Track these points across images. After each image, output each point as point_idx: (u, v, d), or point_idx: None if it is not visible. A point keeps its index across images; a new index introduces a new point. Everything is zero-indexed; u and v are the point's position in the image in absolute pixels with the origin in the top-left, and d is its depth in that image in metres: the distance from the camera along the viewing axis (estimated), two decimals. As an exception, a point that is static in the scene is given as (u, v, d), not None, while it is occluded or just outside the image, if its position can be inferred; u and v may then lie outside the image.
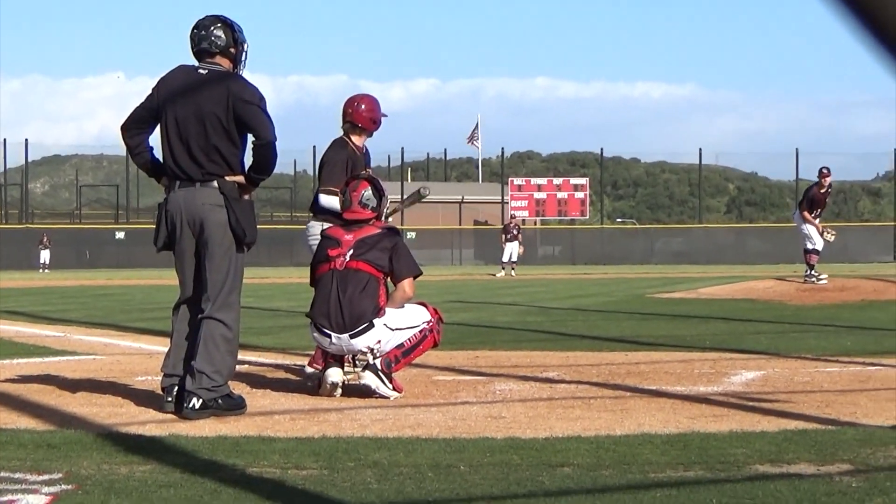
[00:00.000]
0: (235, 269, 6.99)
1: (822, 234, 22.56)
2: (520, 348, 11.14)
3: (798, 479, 4.69)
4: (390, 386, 7.55)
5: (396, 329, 7.70)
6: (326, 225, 8.30)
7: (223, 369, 6.84)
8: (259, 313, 16.88)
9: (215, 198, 6.92)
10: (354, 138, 8.81)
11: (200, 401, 6.70)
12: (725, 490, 4.49)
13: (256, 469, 5.01)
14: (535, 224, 65.79)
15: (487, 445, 5.51)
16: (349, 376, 7.79)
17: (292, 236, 52.64)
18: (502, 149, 71.24)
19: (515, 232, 41.76)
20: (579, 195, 62.64)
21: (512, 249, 41.16)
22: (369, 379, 7.52)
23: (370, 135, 8.91)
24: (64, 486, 4.63)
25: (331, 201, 8.45)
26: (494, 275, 39.80)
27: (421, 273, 8.00)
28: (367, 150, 8.95)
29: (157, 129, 7.08)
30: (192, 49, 7.08)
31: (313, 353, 8.51)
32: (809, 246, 22.63)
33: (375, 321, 7.62)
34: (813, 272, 22.57)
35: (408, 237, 50.85)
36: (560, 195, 62.31)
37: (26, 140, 60.64)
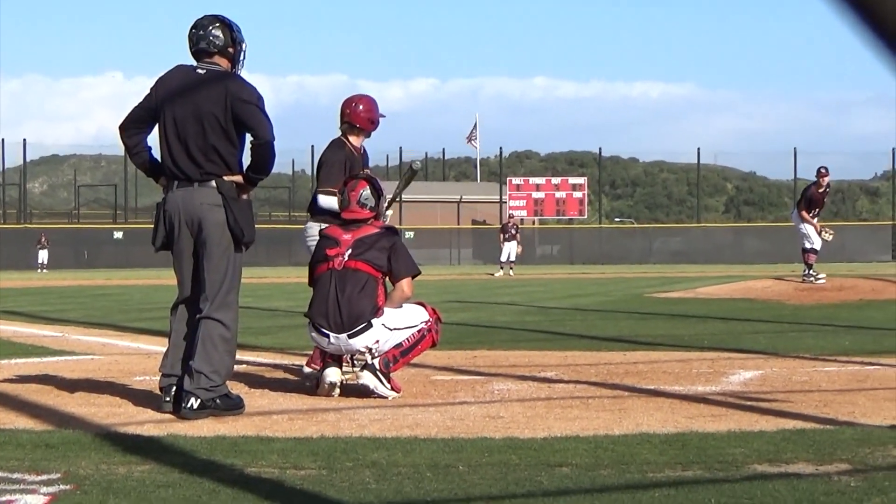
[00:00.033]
0: (234, 268, 6.99)
1: (820, 234, 22.57)
2: (518, 348, 11.14)
3: (796, 478, 4.69)
4: (388, 386, 7.55)
5: (395, 329, 7.70)
6: (325, 226, 8.30)
7: (221, 369, 6.84)
8: (257, 313, 16.88)
9: (213, 198, 6.92)
10: (352, 139, 8.80)
11: (199, 401, 6.70)
12: (724, 490, 4.49)
13: (255, 469, 5.01)
14: (534, 224, 65.81)
15: (486, 445, 5.51)
16: (347, 376, 7.79)
17: (290, 236, 52.65)
18: (500, 148, 71.47)
19: (514, 231, 41.75)
20: (577, 195, 62.65)
21: (510, 249, 41.16)
22: (367, 379, 7.52)
23: (368, 135, 8.91)
24: (62, 486, 4.63)
25: (330, 202, 8.45)
26: (493, 274, 39.80)
27: (419, 273, 8.00)
28: (365, 150, 8.94)
29: (156, 128, 7.08)
30: (191, 49, 7.08)
31: (311, 352, 8.50)
32: (808, 245, 22.64)
33: (374, 321, 7.62)
34: (811, 272, 22.58)
35: (406, 237, 50.86)
36: (558, 195, 62.32)
37: (24, 140, 60.70)
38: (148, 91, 7.10)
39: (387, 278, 7.88)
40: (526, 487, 4.60)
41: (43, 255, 53.78)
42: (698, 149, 63.71)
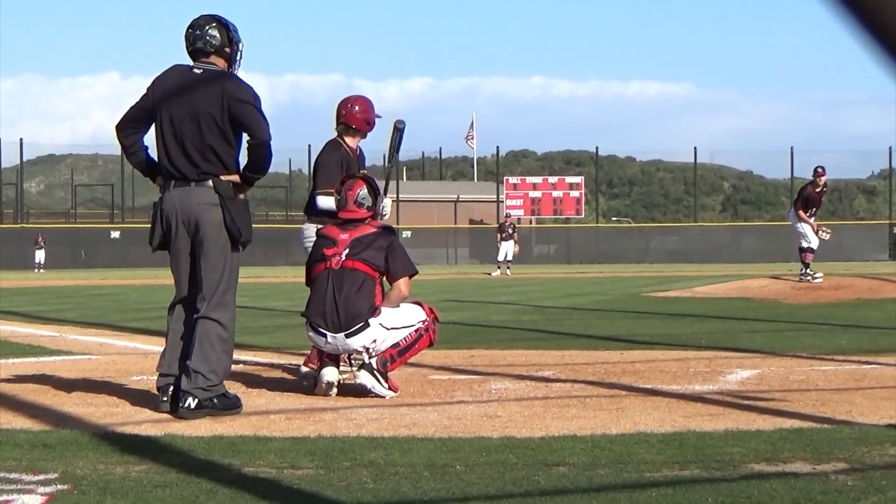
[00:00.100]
0: (231, 268, 6.99)
1: (817, 233, 22.59)
2: (515, 347, 11.15)
3: (794, 477, 4.69)
4: (386, 385, 7.55)
5: (392, 328, 7.70)
6: (321, 226, 8.29)
7: (219, 369, 6.84)
8: (255, 313, 16.87)
9: (210, 197, 6.92)
10: (348, 139, 8.80)
11: (196, 400, 6.70)
12: (721, 489, 4.49)
13: (252, 469, 5.01)
14: (531, 223, 65.82)
15: (483, 445, 5.51)
16: (345, 376, 7.79)
17: (287, 235, 52.60)
18: (497, 148, 71.31)
19: (511, 231, 41.74)
20: (574, 194, 62.64)
21: (507, 248, 41.15)
22: (365, 378, 7.52)
23: (364, 136, 8.91)
24: (60, 486, 4.63)
25: (328, 202, 8.44)
26: (490, 274, 39.80)
27: (416, 272, 8.00)
28: (361, 151, 8.94)
29: (152, 128, 7.07)
30: (187, 49, 7.08)
31: (309, 352, 8.50)
32: (804, 244, 22.66)
33: (371, 320, 7.62)
34: (808, 271, 22.60)
35: (403, 236, 50.88)
36: (555, 194, 62.30)
37: (21, 139, 60.63)
38: (144, 91, 7.09)
39: (384, 278, 7.89)
40: (523, 487, 4.60)
41: (40, 255, 53.76)
42: (695, 148, 64.03)
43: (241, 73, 7.20)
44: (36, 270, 51.44)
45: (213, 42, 7.02)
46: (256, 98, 7.00)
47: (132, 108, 7.08)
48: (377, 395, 7.47)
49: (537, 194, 62.17)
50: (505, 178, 65.02)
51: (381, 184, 8.25)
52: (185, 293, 7.05)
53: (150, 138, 7.12)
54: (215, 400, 6.76)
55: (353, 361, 7.89)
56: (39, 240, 54.58)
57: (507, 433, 5.89)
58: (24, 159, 63.65)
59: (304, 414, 6.83)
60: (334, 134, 8.86)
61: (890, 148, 63.12)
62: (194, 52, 7.06)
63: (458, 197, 68.19)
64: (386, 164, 8.93)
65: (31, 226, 60.33)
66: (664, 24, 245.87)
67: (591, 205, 71.95)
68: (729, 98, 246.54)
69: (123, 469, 4.99)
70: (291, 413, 6.85)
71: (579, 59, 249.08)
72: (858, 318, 14.89)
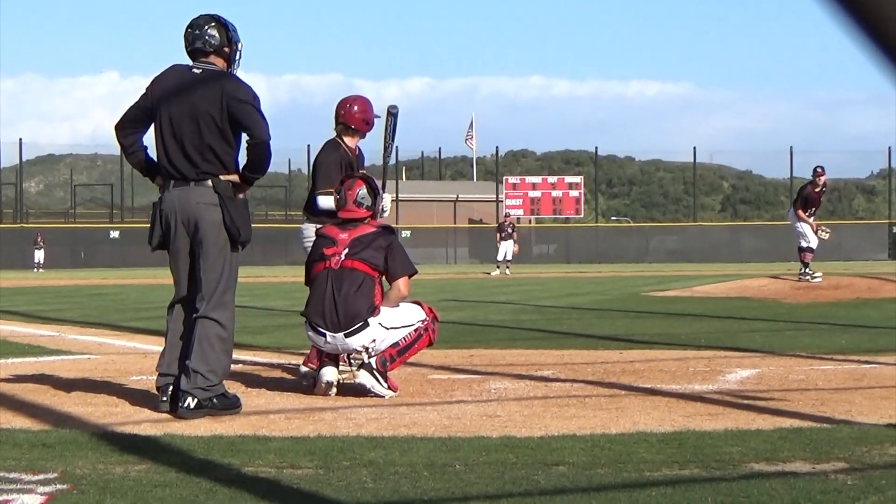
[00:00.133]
0: (230, 268, 6.99)
1: (816, 233, 22.59)
2: (515, 347, 11.15)
3: (793, 477, 4.69)
4: (385, 385, 7.55)
5: (391, 328, 7.70)
6: (321, 226, 8.29)
7: (218, 368, 6.84)
8: (254, 312, 16.87)
9: (210, 197, 6.92)
10: (347, 139, 8.80)
11: (195, 400, 6.70)
12: (721, 488, 4.49)
13: (252, 468, 5.01)
14: (530, 222, 65.81)
15: (483, 444, 5.51)
16: (344, 375, 7.79)
17: (287, 235, 52.60)
18: (497, 147, 71.31)
19: (510, 230, 41.75)
20: (574, 193, 62.64)
21: (507, 248, 41.16)
22: (364, 378, 7.52)
23: (363, 136, 8.90)
24: (59, 486, 4.63)
25: (329, 202, 8.42)
26: (489, 273, 39.80)
27: (416, 272, 8.00)
28: (360, 151, 8.94)
29: (152, 128, 7.07)
30: (186, 48, 7.07)
31: (308, 352, 8.50)
32: (804, 244, 22.66)
33: (370, 320, 7.62)
34: (807, 270, 22.60)
35: (402, 236, 50.86)
36: (555, 193, 62.30)
37: (20, 139, 60.66)
38: (144, 91, 7.09)
39: (383, 277, 7.88)
40: (523, 486, 4.60)
41: (39, 255, 53.74)
42: (694, 147, 64.06)
43: (241, 73, 7.21)
44: (35, 270, 51.42)
45: (213, 42, 7.02)
46: (255, 98, 7.00)
47: (131, 107, 7.08)
48: (376, 395, 7.47)
49: (537, 194, 62.16)
50: (504, 177, 65.01)
51: (379, 183, 8.24)
52: (184, 293, 7.05)
53: (149, 138, 7.12)
54: (215, 400, 6.76)
55: (352, 361, 7.89)
56: (39, 240, 54.56)
57: (506, 433, 5.89)
58: (24, 159, 63.66)
59: (303, 413, 6.82)
60: (333, 134, 8.86)
61: (889, 148, 63.20)
62: (193, 52, 7.06)
63: (458, 196, 68.18)
64: (382, 152, 8.88)
65: (30, 225, 60.33)
66: (664, 23, 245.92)
67: (591, 204, 71.97)
68: (728, 98, 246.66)
69: (123, 469, 4.99)
70: (291, 413, 6.85)
71: (579, 58, 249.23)
72: (858, 317, 14.89)
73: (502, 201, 60.38)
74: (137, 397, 7.47)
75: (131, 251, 52.81)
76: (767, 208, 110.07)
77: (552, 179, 64.88)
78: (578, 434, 5.80)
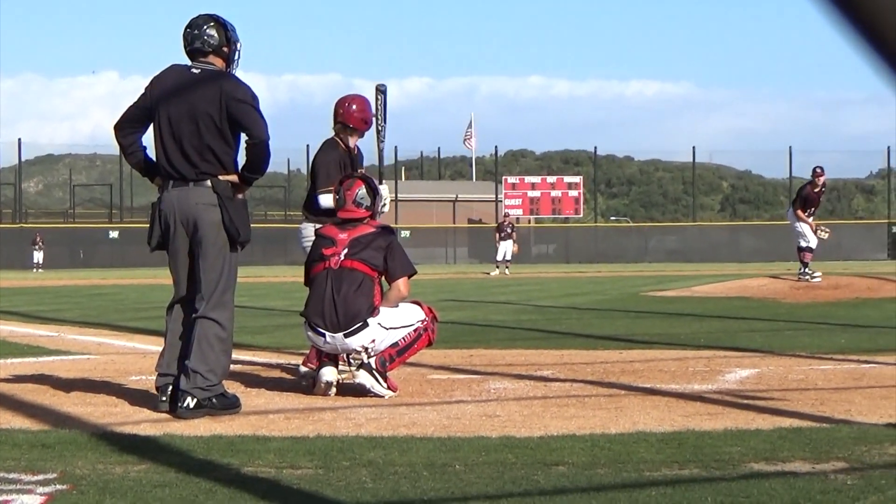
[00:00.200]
0: (229, 268, 6.98)
1: (815, 232, 22.59)
2: (514, 347, 11.15)
3: (793, 477, 4.69)
4: (385, 385, 7.55)
5: (391, 328, 7.70)
6: (320, 226, 8.29)
7: (217, 368, 6.84)
8: (253, 312, 16.87)
9: (209, 197, 6.91)
10: (345, 139, 8.79)
11: (195, 400, 6.69)
12: (720, 488, 4.49)
13: (251, 468, 5.01)
14: (530, 222, 65.80)
15: (482, 444, 5.51)
16: (344, 375, 7.79)
17: (286, 235, 52.58)
18: (496, 147, 71.22)
19: (510, 230, 41.74)
20: (573, 193, 62.63)
21: (506, 248, 41.16)
22: (364, 378, 7.51)
23: (361, 135, 8.90)
24: (59, 486, 4.62)
25: (330, 200, 8.41)
26: (489, 273, 39.79)
27: (415, 272, 8.00)
28: (359, 150, 8.94)
29: (151, 128, 7.07)
30: (185, 48, 7.07)
31: (308, 352, 8.50)
32: (803, 244, 22.66)
33: (370, 320, 7.62)
34: (807, 270, 22.60)
35: (402, 236, 50.84)
36: (554, 193, 62.28)
37: (19, 139, 60.64)
38: (143, 91, 7.09)
39: (383, 278, 7.88)
40: (522, 486, 4.59)
41: (38, 255, 53.72)
42: (693, 147, 63.92)
43: (240, 73, 7.21)
44: (34, 270, 51.39)
45: (212, 42, 7.02)
46: (254, 98, 6.99)
47: (130, 107, 7.08)
48: (376, 395, 7.47)
49: (536, 194, 62.16)
50: (503, 177, 64.99)
51: (376, 182, 8.24)
52: (183, 293, 7.04)
53: (148, 138, 7.12)
54: (214, 400, 6.76)
55: (351, 361, 7.89)
56: (38, 240, 54.54)
57: (506, 433, 5.88)
58: (23, 159, 63.63)
59: (303, 413, 6.82)
60: (332, 133, 8.86)
61: (888, 147, 63.18)
62: (192, 52, 7.06)
63: (457, 196, 68.17)
64: (376, 135, 8.87)
65: (29, 226, 60.30)
66: (663, 23, 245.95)
67: (590, 204, 72.01)
68: (728, 97, 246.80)
69: (122, 469, 4.99)
70: (290, 413, 6.85)
71: (578, 58, 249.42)
72: (857, 317, 14.89)
73: (501, 201, 60.37)
74: (137, 397, 7.47)
75: (130, 251, 52.78)
76: (767, 208, 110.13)
77: (551, 179, 64.87)
78: (578, 434, 5.79)
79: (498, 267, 40.66)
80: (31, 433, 5.97)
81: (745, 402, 7.05)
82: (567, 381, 8.29)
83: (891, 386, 7.75)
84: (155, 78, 7.09)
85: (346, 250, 7.78)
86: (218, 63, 7.05)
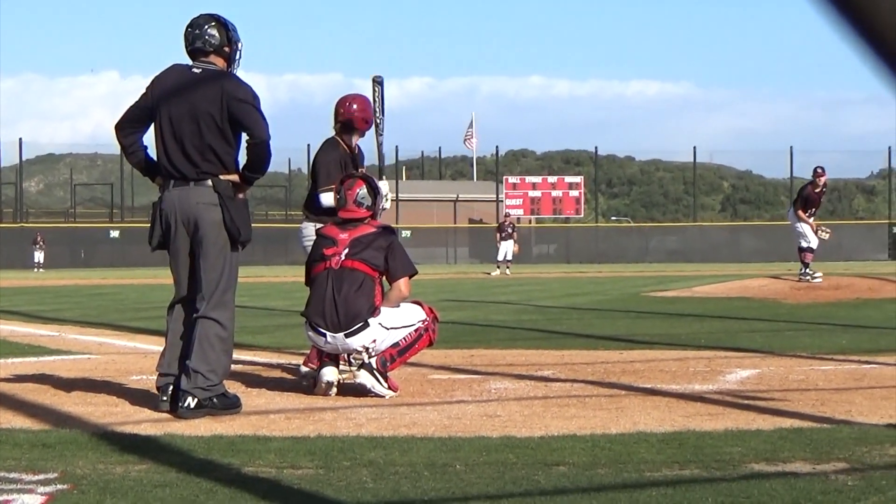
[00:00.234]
0: (230, 268, 6.98)
1: (816, 233, 22.58)
2: (515, 347, 11.15)
3: (793, 477, 4.69)
4: (385, 385, 7.55)
5: (392, 328, 7.70)
6: (320, 225, 8.29)
7: (218, 368, 6.84)
8: (254, 312, 16.87)
9: (210, 197, 6.91)
10: (346, 138, 8.79)
11: (196, 400, 6.70)
12: (721, 489, 4.49)
13: (252, 468, 5.01)
14: (530, 222, 65.81)
15: (483, 444, 5.51)
16: (344, 375, 7.78)
17: (287, 235, 52.58)
18: (497, 147, 71.30)
19: (510, 230, 41.74)
20: (574, 193, 62.63)
21: (507, 248, 41.16)
22: (364, 378, 7.51)
23: (362, 135, 8.90)
24: (59, 486, 4.63)
25: (332, 199, 8.40)
26: (489, 273, 39.80)
27: (416, 272, 8.00)
28: (360, 149, 8.94)
29: (152, 128, 7.07)
30: (186, 48, 7.07)
31: (309, 352, 8.50)
32: (804, 244, 22.65)
33: (371, 320, 7.62)
34: (808, 270, 22.59)
35: (403, 236, 50.86)
36: (555, 193, 62.30)
37: (20, 139, 60.66)
38: (144, 90, 7.09)
39: (384, 278, 7.88)
40: (523, 486, 4.59)
41: (39, 255, 53.73)
42: (694, 147, 64.01)
43: (241, 73, 7.21)
44: (35, 270, 51.41)
45: (213, 41, 7.02)
46: (255, 97, 6.99)
47: (131, 107, 7.08)
48: (377, 395, 7.47)
49: (537, 194, 62.16)
50: (504, 177, 65.00)
51: (377, 180, 8.24)
52: (184, 293, 7.04)
53: (149, 138, 7.12)
54: (215, 399, 6.76)
55: (352, 361, 7.89)
56: (38, 239, 54.55)
57: (506, 433, 5.88)
58: (24, 158, 63.63)
59: (303, 413, 6.82)
60: (333, 133, 8.86)
61: (889, 147, 63.24)
62: (193, 52, 7.06)
63: (458, 196, 68.19)
64: (374, 129, 8.86)
65: (30, 225, 60.31)
66: (663, 23, 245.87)
67: (591, 204, 71.98)
68: (728, 97, 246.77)
69: (123, 469, 4.99)
70: (291, 413, 6.85)
71: (578, 58, 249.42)
72: (858, 317, 14.88)
73: (502, 201, 60.38)
74: (137, 397, 7.47)
75: (131, 251, 52.81)
76: (767, 208, 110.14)
77: (552, 179, 64.89)
78: (578, 434, 5.79)
79: (499, 267, 40.66)
80: (32, 433, 5.97)
81: (746, 402, 7.05)
82: (568, 382, 8.29)
83: (891, 386, 7.74)
84: (156, 78, 7.09)
85: (346, 250, 7.78)
86: (219, 63, 7.05)
